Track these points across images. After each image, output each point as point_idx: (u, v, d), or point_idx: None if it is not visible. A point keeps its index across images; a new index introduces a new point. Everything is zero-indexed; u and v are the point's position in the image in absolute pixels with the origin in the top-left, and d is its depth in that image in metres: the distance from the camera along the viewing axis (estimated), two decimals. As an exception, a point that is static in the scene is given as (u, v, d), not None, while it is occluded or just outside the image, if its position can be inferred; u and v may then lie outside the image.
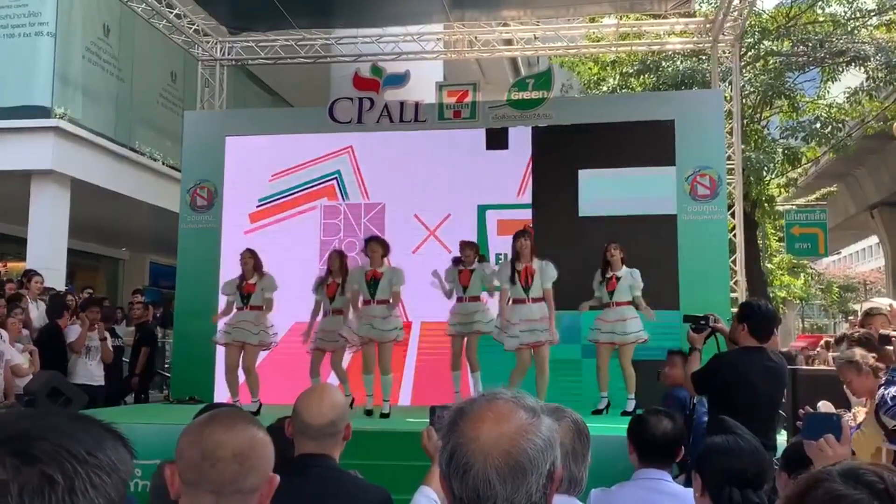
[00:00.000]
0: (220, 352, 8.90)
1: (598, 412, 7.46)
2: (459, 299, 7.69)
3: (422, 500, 2.29)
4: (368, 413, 7.37)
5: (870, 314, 5.88)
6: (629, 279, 7.56)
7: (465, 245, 7.77)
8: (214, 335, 8.13)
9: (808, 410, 2.15)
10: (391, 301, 7.53)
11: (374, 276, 7.54)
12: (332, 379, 8.00)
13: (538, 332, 7.30)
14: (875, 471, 1.06)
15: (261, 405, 7.62)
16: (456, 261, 7.77)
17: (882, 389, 3.73)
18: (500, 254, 9.24)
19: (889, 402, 3.63)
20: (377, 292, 7.52)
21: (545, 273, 7.38)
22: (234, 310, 7.93)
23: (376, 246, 7.60)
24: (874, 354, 4.63)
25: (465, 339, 7.68)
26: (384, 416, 7.34)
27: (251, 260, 7.88)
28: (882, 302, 5.73)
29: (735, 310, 8.14)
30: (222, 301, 8.29)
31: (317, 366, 7.92)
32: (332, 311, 7.85)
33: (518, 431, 1.25)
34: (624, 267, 7.61)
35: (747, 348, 4.31)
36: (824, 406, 4.60)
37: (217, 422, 1.69)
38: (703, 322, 4.70)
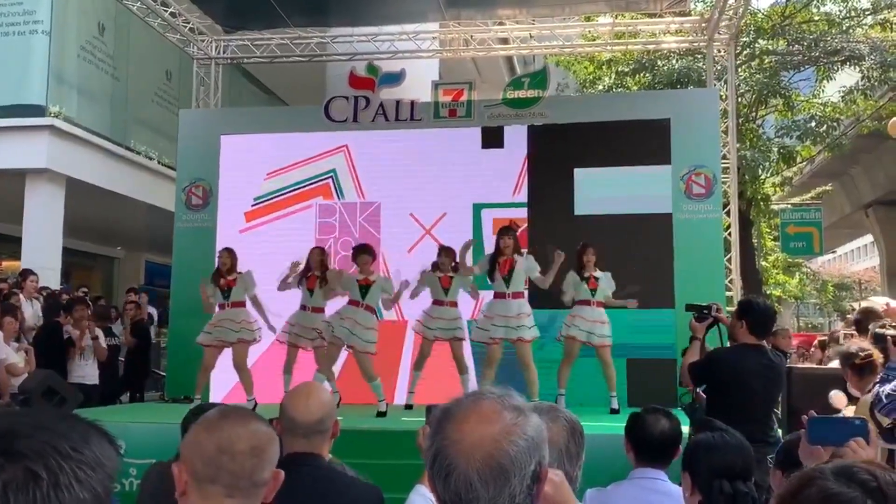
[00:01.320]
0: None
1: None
2: (439, 302, 7.71)
3: (417, 500, 2.29)
4: (381, 414, 7.40)
5: (872, 312, 5.85)
6: (605, 281, 7.61)
7: (442, 251, 7.80)
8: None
9: (813, 414, 2.13)
10: (381, 305, 7.69)
11: (366, 283, 7.61)
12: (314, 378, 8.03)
13: (511, 328, 7.33)
14: (868, 469, 1.06)
15: (256, 404, 7.61)
16: (434, 266, 7.79)
17: (877, 387, 3.73)
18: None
19: (884, 399, 3.63)
20: (367, 297, 7.58)
21: (527, 266, 7.44)
22: (216, 308, 7.98)
23: (367, 257, 7.67)
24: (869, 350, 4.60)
25: (449, 343, 7.72)
26: (381, 414, 7.36)
27: (229, 259, 7.99)
28: (878, 301, 5.71)
29: (731, 308, 8.17)
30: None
31: (291, 363, 7.96)
32: (311, 308, 7.88)
33: (501, 433, 1.23)
34: (597, 269, 7.63)
35: (745, 345, 4.31)
36: (836, 397, 4.55)
37: (231, 417, 1.72)
38: (705, 311, 4.71)
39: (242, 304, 7.91)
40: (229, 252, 8.08)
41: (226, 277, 7.91)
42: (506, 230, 7.65)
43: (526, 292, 7.68)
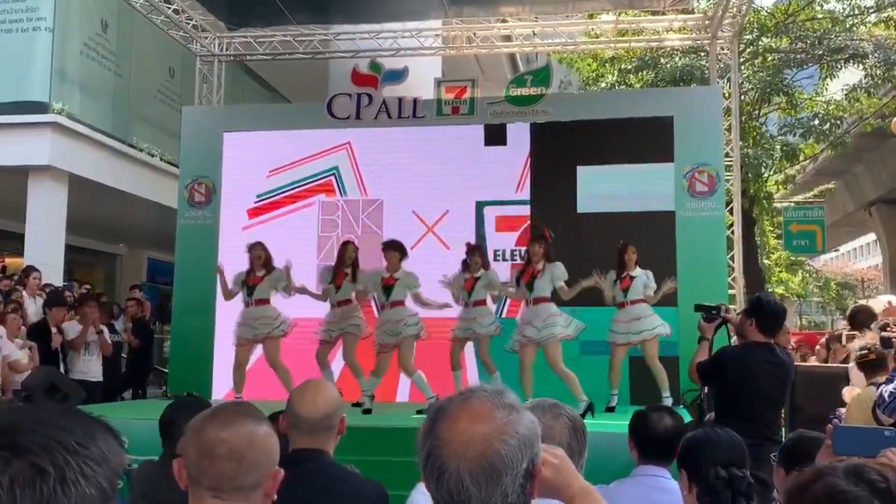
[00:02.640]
0: (218, 347, 8.93)
1: (610, 409, 7.48)
2: (464, 304, 7.70)
3: (419, 498, 2.29)
4: (367, 412, 7.36)
5: (864, 309, 5.86)
6: (643, 279, 7.61)
7: (473, 250, 7.75)
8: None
9: (837, 423, 2.12)
10: (405, 302, 7.62)
11: (388, 283, 7.56)
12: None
13: (546, 327, 7.33)
14: (879, 470, 1.05)
15: None
16: (465, 265, 7.73)
17: (882, 387, 3.73)
18: (498, 250, 9.26)
19: (887, 398, 3.62)
20: (391, 296, 7.55)
21: (552, 274, 7.37)
22: (242, 305, 7.92)
23: (391, 253, 7.60)
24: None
25: (476, 342, 7.72)
26: (420, 412, 7.38)
27: (263, 253, 7.86)
28: (881, 300, 5.72)
29: (734, 306, 8.17)
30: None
31: (324, 358, 7.87)
32: (337, 303, 7.80)
33: (492, 432, 1.23)
34: (637, 268, 7.63)
35: (754, 344, 4.29)
36: (848, 392, 4.55)
37: (217, 419, 1.70)
38: (714, 311, 4.71)
39: (266, 302, 7.84)
40: (264, 247, 7.91)
41: (254, 274, 7.81)
42: (537, 238, 7.60)
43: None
